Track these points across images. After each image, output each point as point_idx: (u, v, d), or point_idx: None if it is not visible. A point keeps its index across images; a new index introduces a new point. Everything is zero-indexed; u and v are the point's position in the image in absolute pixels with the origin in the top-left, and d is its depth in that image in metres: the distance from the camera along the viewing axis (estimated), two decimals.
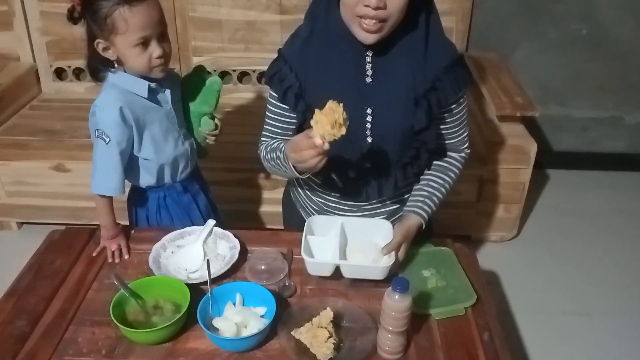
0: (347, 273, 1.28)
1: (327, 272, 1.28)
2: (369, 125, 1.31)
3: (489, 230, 2.57)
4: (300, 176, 1.27)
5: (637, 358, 2.04)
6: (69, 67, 2.80)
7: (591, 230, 2.73)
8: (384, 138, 1.33)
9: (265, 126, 1.42)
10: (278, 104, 1.36)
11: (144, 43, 1.33)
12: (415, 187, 1.43)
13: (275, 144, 1.37)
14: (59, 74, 2.86)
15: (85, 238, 1.47)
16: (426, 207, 1.37)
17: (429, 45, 1.26)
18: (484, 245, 2.60)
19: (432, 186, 1.40)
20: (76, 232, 1.51)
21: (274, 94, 1.35)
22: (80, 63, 2.50)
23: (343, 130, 1.10)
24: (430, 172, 1.43)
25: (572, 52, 2.93)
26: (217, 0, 2.63)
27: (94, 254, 1.41)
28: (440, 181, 1.41)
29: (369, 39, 1.19)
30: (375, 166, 1.37)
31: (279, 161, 1.31)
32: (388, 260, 1.26)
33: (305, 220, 1.37)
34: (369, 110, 1.29)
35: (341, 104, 1.10)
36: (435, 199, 1.39)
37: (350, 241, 1.38)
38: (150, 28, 1.33)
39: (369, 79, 1.28)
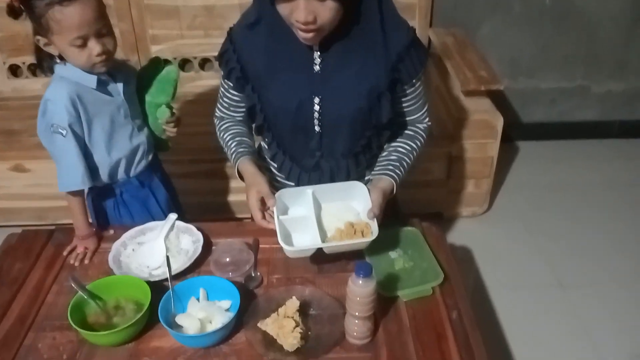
0: (330, 252, 1.25)
1: (309, 255, 1.25)
2: (317, 115, 1.30)
3: (461, 206, 2.57)
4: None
5: (612, 328, 2.05)
6: (24, 63, 2.70)
7: (563, 201, 2.75)
8: (333, 127, 1.32)
9: (218, 99, 1.46)
10: (226, 80, 1.38)
11: (82, 43, 1.29)
12: (383, 154, 1.41)
13: (229, 136, 1.42)
14: (14, 70, 2.76)
15: (43, 240, 1.42)
16: (397, 171, 1.35)
17: (386, 32, 1.23)
18: (456, 222, 2.60)
19: (400, 152, 1.38)
20: (34, 234, 1.46)
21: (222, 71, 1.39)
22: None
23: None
24: (396, 140, 1.41)
25: (538, 25, 2.92)
26: None
27: (65, 253, 1.37)
28: (409, 147, 1.40)
29: (308, 41, 1.19)
30: (326, 155, 1.38)
31: (226, 149, 1.43)
32: (373, 232, 1.22)
33: None
34: (316, 100, 1.28)
35: None
36: (404, 163, 1.37)
37: (324, 207, 1.31)
38: (86, 26, 1.27)
39: (317, 67, 1.26)
